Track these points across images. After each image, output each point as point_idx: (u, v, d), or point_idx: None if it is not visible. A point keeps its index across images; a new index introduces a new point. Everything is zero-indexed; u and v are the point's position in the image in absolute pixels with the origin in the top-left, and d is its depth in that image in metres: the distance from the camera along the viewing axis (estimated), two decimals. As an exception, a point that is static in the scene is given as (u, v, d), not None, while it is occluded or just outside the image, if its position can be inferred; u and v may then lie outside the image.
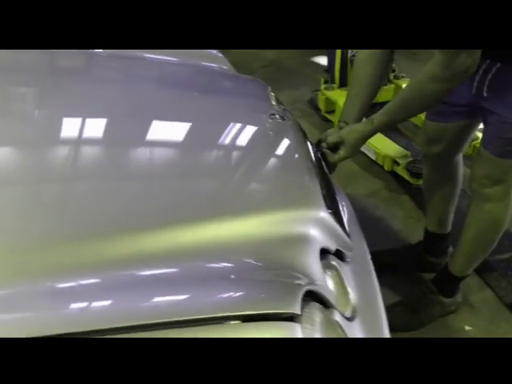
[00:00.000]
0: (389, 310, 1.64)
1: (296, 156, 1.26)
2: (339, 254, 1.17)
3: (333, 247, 1.06)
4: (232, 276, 0.88)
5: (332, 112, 2.81)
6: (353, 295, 1.04)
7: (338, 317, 0.91)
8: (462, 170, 1.64)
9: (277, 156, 1.26)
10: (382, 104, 2.89)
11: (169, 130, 1.25)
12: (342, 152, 1.37)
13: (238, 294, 0.85)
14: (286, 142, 1.30)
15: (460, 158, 1.63)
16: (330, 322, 0.88)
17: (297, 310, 0.79)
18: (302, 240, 0.99)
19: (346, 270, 1.08)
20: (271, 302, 0.81)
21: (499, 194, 1.42)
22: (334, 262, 1.05)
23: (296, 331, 0.76)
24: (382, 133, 2.59)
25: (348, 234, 1.18)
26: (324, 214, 1.05)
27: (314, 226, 1.02)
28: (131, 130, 1.21)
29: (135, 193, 1.03)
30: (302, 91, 3.27)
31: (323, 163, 1.39)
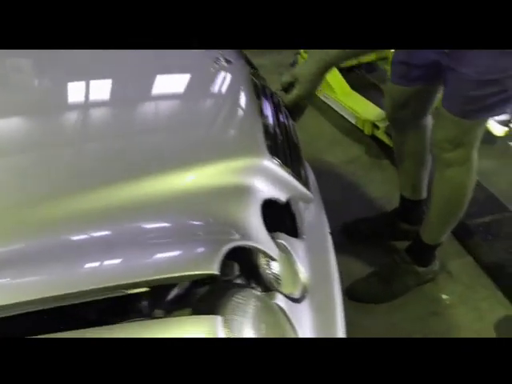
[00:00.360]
0: (362, 280, 1.64)
1: (237, 101, 1.18)
2: (294, 231, 1.15)
3: (282, 197, 1.00)
4: (147, 239, 0.81)
5: (312, 75, 2.72)
6: (304, 274, 1.00)
7: (280, 300, 0.87)
8: (430, 133, 1.58)
9: (215, 102, 1.19)
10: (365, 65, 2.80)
11: (99, 88, 1.18)
12: (295, 90, 1.26)
13: (146, 258, 0.78)
14: (227, 87, 1.22)
15: (428, 121, 1.57)
16: (267, 308, 0.84)
17: (214, 270, 0.74)
18: (239, 192, 0.93)
19: (298, 247, 1.04)
20: (185, 264, 0.76)
21: (460, 158, 1.37)
22: (282, 241, 1.00)
23: (216, 326, 0.70)
24: (363, 94, 2.52)
25: (307, 185, 1.13)
26: (267, 163, 0.99)
27: (255, 175, 0.96)
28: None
29: (63, 156, 0.97)
30: (285, 54, 3.18)
31: (284, 112, 1.31)
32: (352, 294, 1.61)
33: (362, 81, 2.72)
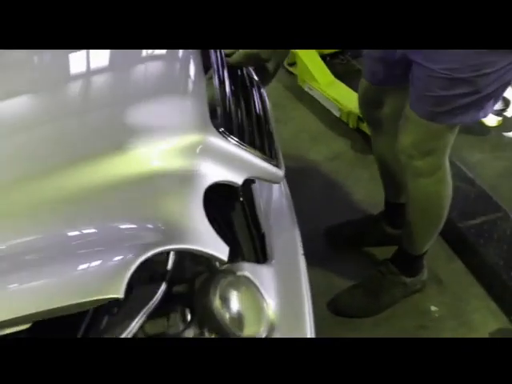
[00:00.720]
0: (346, 293, 1.54)
1: (173, 67, 1.06)
2: (263, 255, 1.05)
3: (237, 179, 0.87)
4: (28, 258, 0.67)
5: (294, 64, 2.60)
6: (272, 307, 0.91)
7: (240, 346, 0.78)
8: None
9: (141, 69, 1.06)
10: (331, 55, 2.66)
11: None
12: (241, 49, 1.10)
13: (24, 284, 0.64)
14: (164, 58, 1.07)
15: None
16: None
17: (117, 293, 0.62)
18: (171, 179, 0.79)
19: (265, 276, 0.95)
20: (78, 288, 0.63)
21: (430, 167, 1.26)
22: (246, 273, 0.90)
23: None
24: (348, 83, 2.40)
25: (276, 161, 0.98)
26: (214, 140, 0.85)
27: (194, 156, 0.82)
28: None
29: None
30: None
31: (249, 79, 1.18)
32: (335, 308, 1.52)
33: (347, 68, 2.60)
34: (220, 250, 0.75)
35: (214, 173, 0.83)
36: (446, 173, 1.30)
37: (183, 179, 0.80)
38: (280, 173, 0.98)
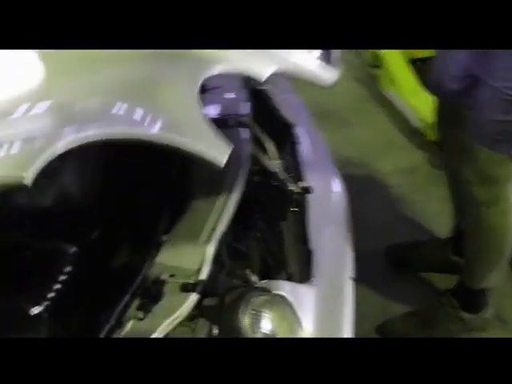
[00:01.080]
0: (399, 320, 1.47)
1: None
2: (307, 274, 1.01)
3: (261, 72, 0.72)
4: None
5: (377, 66, 2.51)
6: (309, 331, 0.87)
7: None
8: None
9: None
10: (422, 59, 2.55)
11: None
12: None
13: None
14: None
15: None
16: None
17: (23, 173, 0.53)
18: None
19: (304, 297, 0.91)
20: None
21: (491, 196, 1.17)
22: (282, 293, 0.87)
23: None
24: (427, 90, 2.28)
25: (325, 55, 0.83)
26: None
27: None
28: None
29: None
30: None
31: None
32: (383, 334, 1.45)
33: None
34: (217, 151, 0.61)
35: (229, 58, 0.71)
36: (509, 204, 1.20)
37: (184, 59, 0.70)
38: (329, 74, 0.81)
